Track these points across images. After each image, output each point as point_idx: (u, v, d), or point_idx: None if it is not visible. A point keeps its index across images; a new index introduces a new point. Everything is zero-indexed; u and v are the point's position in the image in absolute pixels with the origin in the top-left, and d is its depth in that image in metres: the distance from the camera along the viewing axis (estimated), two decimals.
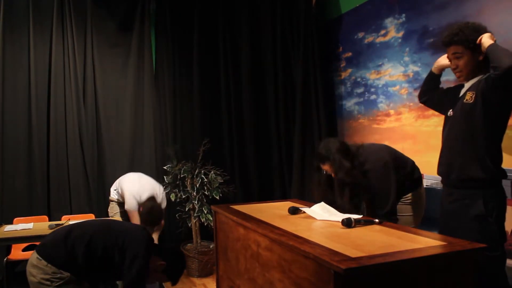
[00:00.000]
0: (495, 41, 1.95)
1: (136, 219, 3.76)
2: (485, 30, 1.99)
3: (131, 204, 3.77)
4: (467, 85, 2.08)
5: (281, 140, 4.59)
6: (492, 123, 1.94)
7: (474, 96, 1.97)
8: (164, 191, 4.08)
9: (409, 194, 2.40)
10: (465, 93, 2.04)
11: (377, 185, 2.28)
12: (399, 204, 2.38)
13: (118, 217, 3.86)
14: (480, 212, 1.94)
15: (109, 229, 2.25)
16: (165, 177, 4.17)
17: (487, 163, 1.95)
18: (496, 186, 1.99)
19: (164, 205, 3.98)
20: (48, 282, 2.09)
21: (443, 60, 2.24)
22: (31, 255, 2.19)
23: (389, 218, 2.21)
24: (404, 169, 2.40)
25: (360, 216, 2.04)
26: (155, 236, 3.98)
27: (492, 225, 1.94)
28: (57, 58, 4.19)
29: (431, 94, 2.36)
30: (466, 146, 2.01)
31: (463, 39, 1.99)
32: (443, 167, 2.14)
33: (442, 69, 2.30)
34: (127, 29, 4.55)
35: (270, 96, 4.68)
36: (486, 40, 1.94)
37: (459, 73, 2.07)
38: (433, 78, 2.34)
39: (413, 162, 2.49)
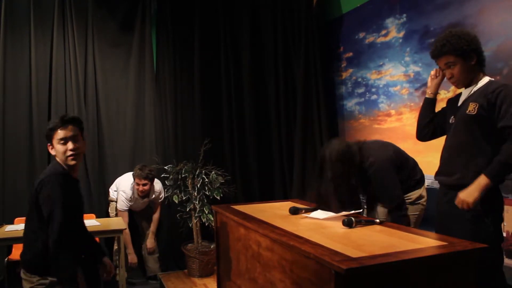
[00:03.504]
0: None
1: (125, 219, 3.85)
2: (468, 35, 2.01)
3: (121, 204, 3.90)
4: (466, 92, 2.09)
5: (282, 140, 4.59)
6: (495, 134, 1.93)
7: (477, 108, 1.96)
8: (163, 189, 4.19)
9: (410, 194, 2.40)
10: (467, 103, 2.02)
11: (379, 180, 2.30)
12: None
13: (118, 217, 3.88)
14: (476, 213, 1.94)
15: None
16: (165, 179, 4.17)
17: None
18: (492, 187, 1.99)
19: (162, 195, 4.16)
20: None
21: (434, 80, 2.26)
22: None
23: (400, 211, 2.26)
24: (406, 168, 2.42)
25: (361, 214, 2.05)
26: (153, 225, 4.12)
27: (489, 225, 1.95)
28: (58, 58, 4.19)
29: (432, 125, 2.29)
30: (466, 155, 2.01)
31: (451, 48, 2.01)
32: (442, 172, 2.15)
33: (437, 89, 2.28)
34: (128, 29, 4.54)
35: (271, 96, 4.68)
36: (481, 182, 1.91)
37: (455, 81, 2.09)
38: (431, 104, 2.30)
39: (415, 161, 2.51)
